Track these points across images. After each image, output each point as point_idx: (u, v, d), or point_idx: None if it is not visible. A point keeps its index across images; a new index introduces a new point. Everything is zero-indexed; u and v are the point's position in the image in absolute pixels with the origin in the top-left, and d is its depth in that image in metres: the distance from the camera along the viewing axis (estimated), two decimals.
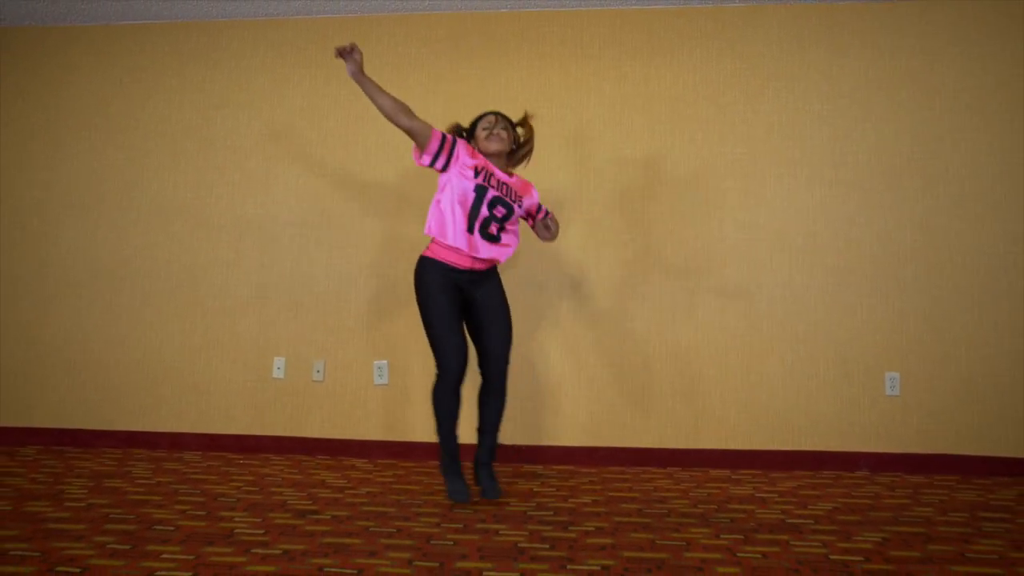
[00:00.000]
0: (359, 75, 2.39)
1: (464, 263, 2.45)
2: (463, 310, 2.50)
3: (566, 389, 3.24)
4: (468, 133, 2.60)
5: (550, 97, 3.38)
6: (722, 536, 2.08)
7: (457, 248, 2.42)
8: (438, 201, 2.45)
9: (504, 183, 2.49)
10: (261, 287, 3.42)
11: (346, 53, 2.36)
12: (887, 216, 3.19)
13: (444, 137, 2.44)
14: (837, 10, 3.29)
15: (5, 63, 3.63)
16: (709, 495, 2.62)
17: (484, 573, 1.67)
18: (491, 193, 2.44)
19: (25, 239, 3.53)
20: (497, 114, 2.56)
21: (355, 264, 3.39)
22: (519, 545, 1.95)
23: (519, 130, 2.62)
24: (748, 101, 3.29)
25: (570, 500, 2.51)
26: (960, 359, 3.10)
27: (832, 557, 1.89)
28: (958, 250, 3.14)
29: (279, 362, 3.37)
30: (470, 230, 2.42)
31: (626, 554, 1.89)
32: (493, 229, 2.47)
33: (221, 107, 3.52)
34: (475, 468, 2.56)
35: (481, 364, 2.53)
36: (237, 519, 2.14)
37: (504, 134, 2.51)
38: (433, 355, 2.43)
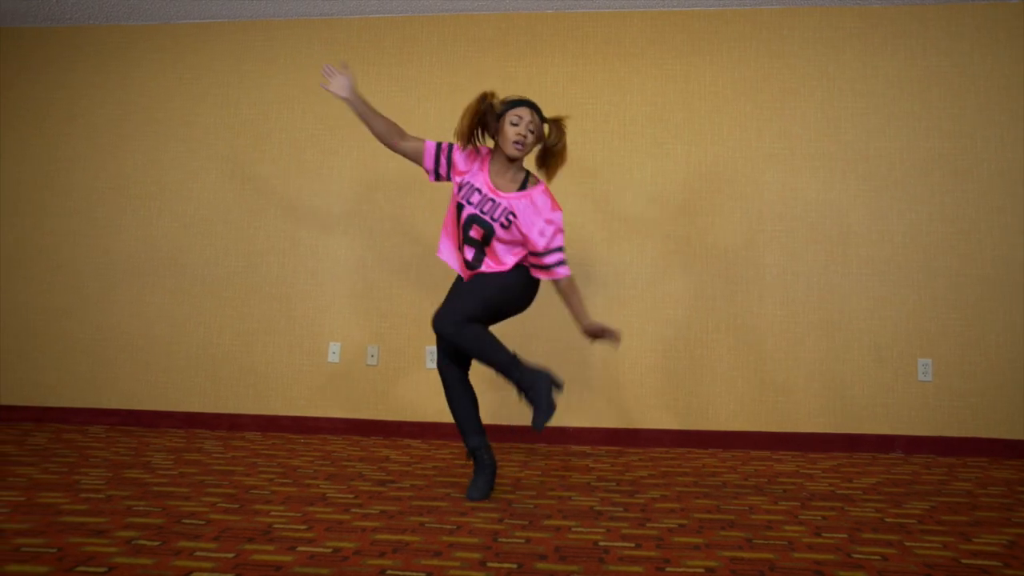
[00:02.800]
0: (352, 95, 2.27)
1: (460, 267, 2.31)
2: None
3: (611, 373, 3.38)
4: (499, 110, 2.19)
5: (595, 95, 3.53)
6: (780, 503, 2.22)
7: (458, 265, 2.30)
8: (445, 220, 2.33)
9: (491, 198, 2.17)
10: (316, 274, 3.56)
11: (331, 73, 2.26)
12: (918, 209, 3.34)
13: (438, 145, 2.26)
14: (869, 12, 3.44)
15: (73, 60, 3.78)
16: (756, 471, 2.76)
17: (571, 529, 1.82)
18: (467, 211, 2.18)
19: (92, 228, 3.68)
20: (531, 107, 2.18)
21: (407, 252, 3.53)
22: (595, 508, 2.10)
23: (545, 127, 2.25)
24: (784, 98, 3.44)
25: (627, 474, 2.66)
26: (989, 346, 3.24)
27: (887, 520, 2.03)
28: (987, 242, 3.29)
29: (334, 347, 3.51)
30: (460, 247, 2.27)
31: (697, 515, 2.03)
32: (469, 253, 2.22)
33: (277, 102, 3.67)
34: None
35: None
36: (321, 486, 2.28)
37: (531, 139, 2.17)
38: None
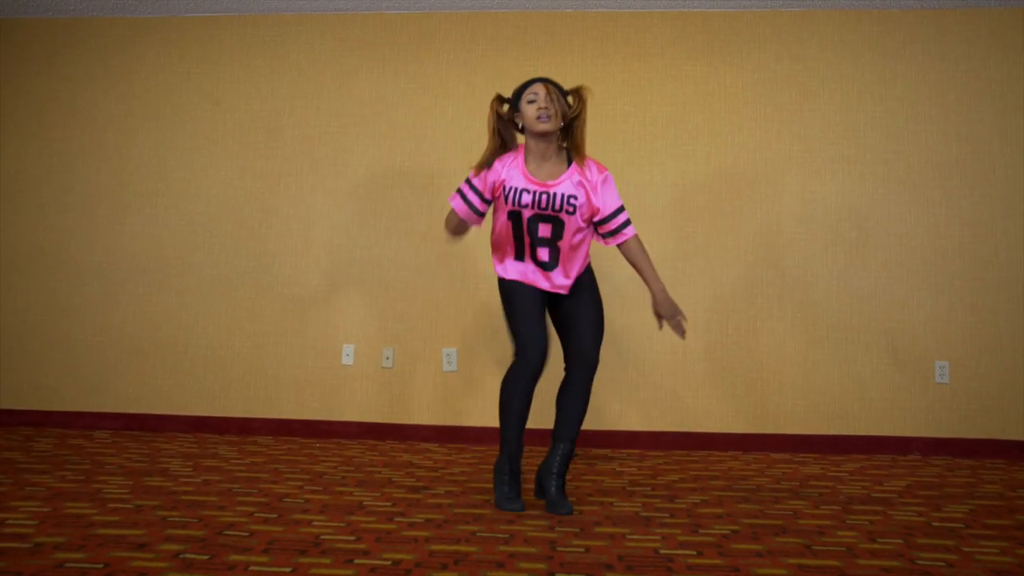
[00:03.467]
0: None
1: (545, 286, 2.16)
2: (548, 308, 2.21)
3: (629, 375, 3.35)
4: (511, 104, 2.16)
5: (615, 95, 3.50)
6: (821, 507, 2.20)
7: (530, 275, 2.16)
8: (492, 230, 2.22)
9: (543, 191, 2.07)
10: (330, 275, 3.49)
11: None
12: (936, 213, 3.36)
13: (460, 190, 2.19)
14: (888, 16, 3.46)
15: (76, 53, 3.65)
16: (784, 474, 2.75)
17: (625, 537, 1.78)
18: (527, 213, 2.07)
19: (93, 226, 3.56)
20: (545, 82, 2.10)
21: (423, 253, 3.47)
22: (640, 514, 2.06)
23: (569, 99, 2.15)
24: (804, 101, 3.44)
25: (658, 478, 2.63)
26: (1006, 349, 3.27)
27: (934, 524, 2.02)
28: (1003, 245, 3.32)
29: (348, 349, 3.44)
30: (519, 257, 2.14)
31: (745, 521, 2.01)
32: (543, 254, 2.10)
33: (289, 99, 3.58)
34: (541, 477, 2.14)
35: (566, 360, 2.20)
36: (358, 495, 2.22)
37: (555, 108, 2.06)
38: (513, 344, 2.15)
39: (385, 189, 3.52)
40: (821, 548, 1.75)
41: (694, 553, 1.69)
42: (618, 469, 2.80)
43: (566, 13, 3.55)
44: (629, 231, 2.16)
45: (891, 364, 3.30)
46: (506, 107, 2.17)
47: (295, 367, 3.45)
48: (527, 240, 2.11)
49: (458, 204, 2.19)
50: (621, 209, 2.16)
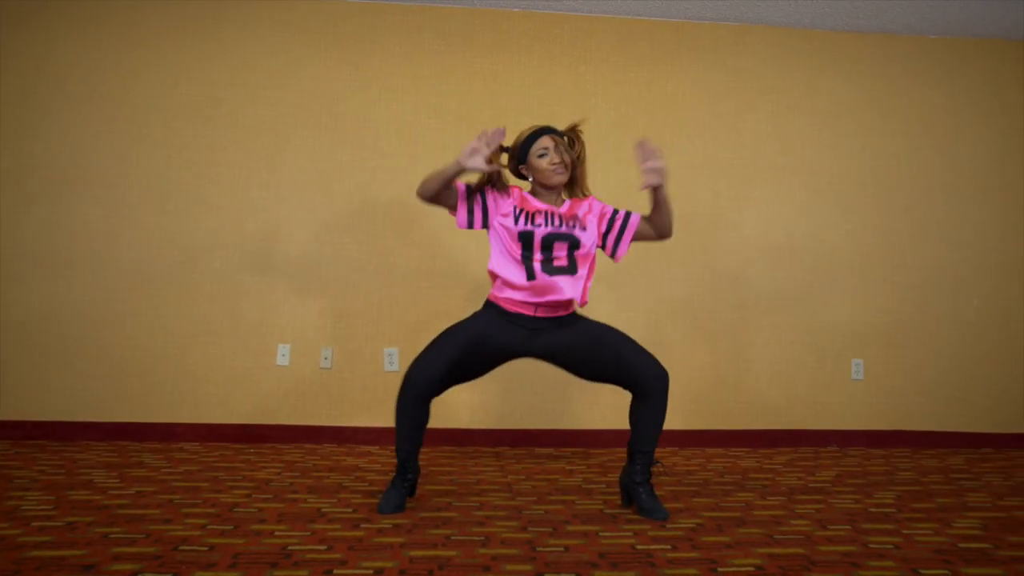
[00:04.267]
0: (464, 170, 2.00)
1: (527, 310, 2.10)
2: (487, 363, 2.12)
3: (574, 377, 3.38)
4: (517, 156, 2.16)
5: (561, 97, 3.53)
6: (769, 498, 2.32)
7: (523, 301, 2.09)
8: (491, 256, 2.14)
9: (554, 213, 2.10)
10: (265, 272, 3.32)
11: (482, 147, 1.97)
12: (853, 221, 3.61)
13: (468, 189, 2.11)
14: (815, 35, 3.68)
15: None
16: (725, 468, 2.87)
17: (598, 534, 1.80)
18: (540, 232, 2.05)
19: None
20: (553, 134, 2.12)
21: (365, 250, 3.37)
22: (604, 512, 2.09)
23: (566, 140, 2.16)
24: (739, 112, 3.61)
25: (609, 475, 2.67)
26: (911, 347, 3.56)
27: (872, 510, 2.17)
28: (910, 253, 3.61)
29: (284, 349, 3.29)
30: (531, 276, 2.06)
31: (705, 514, 2.08)
32: (560, 261, 2.08)
33: (222, 84, 3.38)
34: (627, 487, 2.13)
35: (633, 387, 2.10)
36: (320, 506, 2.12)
37: (568, 159, 2.10)
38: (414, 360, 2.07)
39: (325, 183, 3.39)
40: (782, 537, 1.84)
41: (669, 547, 1.73)
42: (568, 468, 2.82)
43: (513, 12, 3.55)
44: (636, 215, 2.19)
45: (814, 362, 3.52)
46: (505, 156, 2.20)
47: (226, 368, 3.26)
48: (540, 257, 2.07)
49: (461, 195, 2.11)
50: (617, 210, 2.20)
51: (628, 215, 2.19)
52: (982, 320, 3.60)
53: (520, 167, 2.17)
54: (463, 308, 3.34)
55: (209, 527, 1.82)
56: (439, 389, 2.05)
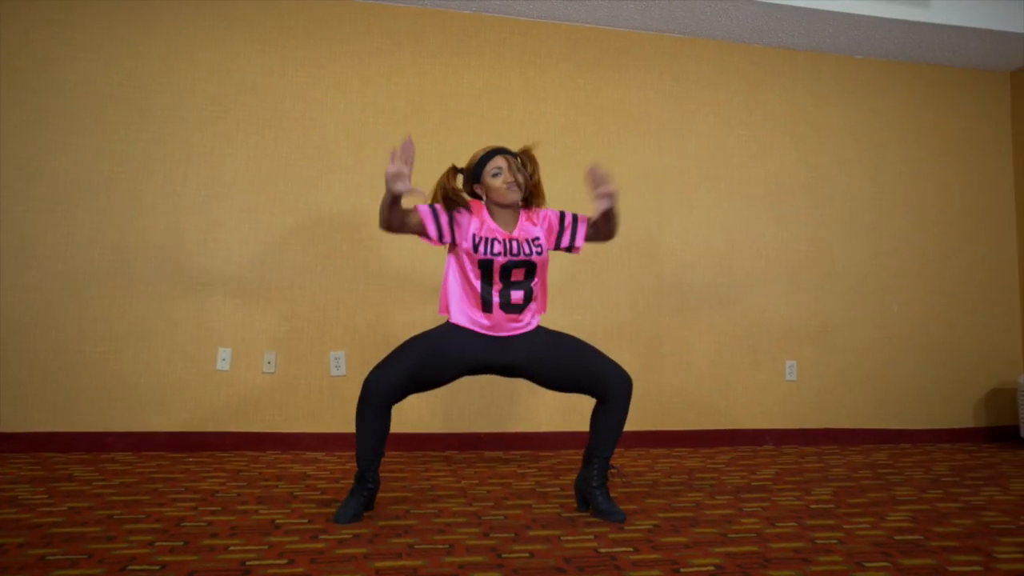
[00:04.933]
0: (397, 195, 1.92)
1: (485, 330, 2.12)
2: (448, 375, 2.11)
3: (522, 380, 3.40)
4: (471, 175, 2.18)
5: (510, 101, 3.55)
6: (717, 497, 2.40)
7: (475, 325, 2.12)
8: (446, 278, 2.16)
9: (511, 240, 2.11)
10: (203, 273, 3.18)
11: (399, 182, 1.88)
12: (787, 229, 3.78)
13: (433, 209, 2.09)
14: (752, 51, 3.84)
15: None
16: (671, 468, 2.95)
17: (560, 539, 1.82)
18: (499, 261, 2.08)
19: None
20: (506, 154, 2.15)
21: (309, 251, 3.28)
22: (563, 515, 2.11)
23: (520, 160, 2.19)
24: (683, 121, 3.72)
25: (561, 478, 2.70)
26: (839, 350, 3.76)
27: (813, 507, 2.28)
28: (839, 260, 3.82)
29: (224, 353, 3.16)
30: (487, 308, 2.10)
31: (660, 515, 2.13)
32: (517, 297, 2.11)
33: (158, 75, 3.22)
34: (583, 491, 2.16)
35: (598, 394, 2.14)
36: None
37: (521, 178, 2.12)
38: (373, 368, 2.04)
39: (269, 181, 3.28)
40: (735, 536, 1.91)
41: (631, 550, 1.76)
42: (519, 471, 2.84)
43: (463, 14, 3.54)
44: (582, 216, 2.21)
45: (751, 364, 3.67)
46: (459, 178, 2.19)
47: (161, 374, 3.10)
48: (499, 287, 2.10)
49: (427, 216, 2.08)
50: (564, 214, 2.21)
51: (576, 217, 2.21)
52: (902, 324, 3.85)
53: (475, 186, 2.18)
54: (411, 311, 3.32)
55: (157, 544, 1.73)
56: (399, 396, 2.03)
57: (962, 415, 3.87)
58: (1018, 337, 3.99)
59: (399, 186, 1.87)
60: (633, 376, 3.51)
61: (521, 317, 2.14)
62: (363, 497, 2.04)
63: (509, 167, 2.12)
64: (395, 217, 1.99)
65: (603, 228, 2.16)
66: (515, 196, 2.12)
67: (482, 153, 2.16)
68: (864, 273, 3.83)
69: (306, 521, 1.98)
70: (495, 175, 2.12)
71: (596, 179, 2.00)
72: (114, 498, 2.19)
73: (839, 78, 3.92)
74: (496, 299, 2.09)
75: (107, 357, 3.06)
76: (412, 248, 3.34)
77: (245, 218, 3.24)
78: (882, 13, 3.52)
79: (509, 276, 2.11)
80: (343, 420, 3.23)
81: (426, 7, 3.49)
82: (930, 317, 3.89)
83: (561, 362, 2.13)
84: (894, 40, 3.76)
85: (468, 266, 2.10)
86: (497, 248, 2.09)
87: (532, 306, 2.16)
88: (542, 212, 2.21)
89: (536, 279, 2.16)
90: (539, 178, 2.18)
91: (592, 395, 2.14)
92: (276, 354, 3.21)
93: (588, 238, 2.21)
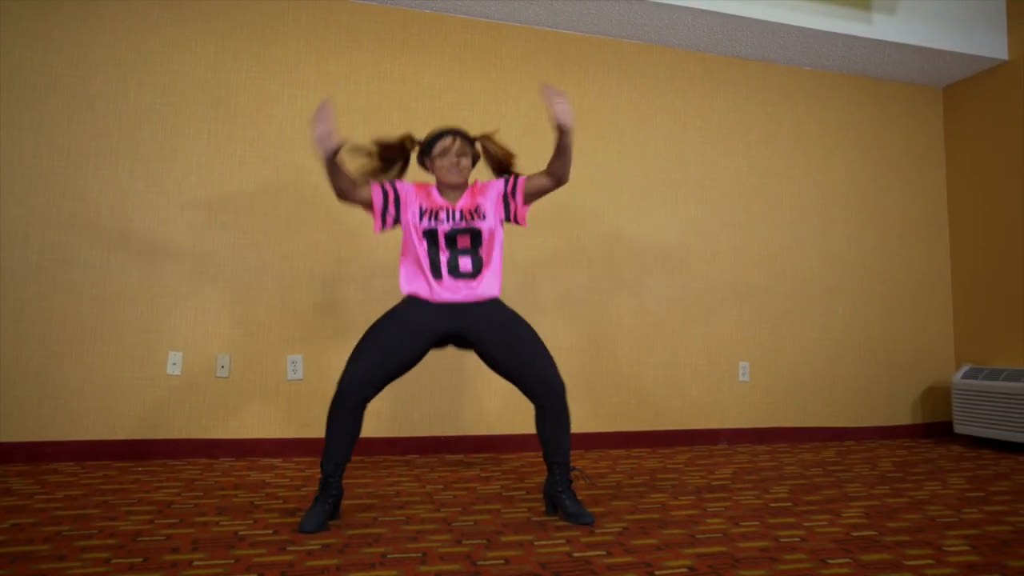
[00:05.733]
0: (331, 162, 2.04)
1: (440, 296, 2.14)
2: (415, 356, 2.12)
3: (482, 383, 3.40)
4: (423, 150, 2.25)
5: (471, 102, 3.53)
6: (680, 498, 2.44)
7: (428, 299, 2.15)
8: (402, 254, 2.21)
9: (454, 209, 2.16)
10: (153, 273, 3.05)
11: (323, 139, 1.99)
12: (740, 234, 3.89)
13: (383, 189, 2.17)
14: (707, 59, 3.93)
15: None
16: (632, 469, 2.99)
17: (533, 544, 1.82)
18: (443, 228, 2.13)
19: None
20: (455, 134, 2.19)
21: (264, 251, 3.19)
22: (532, 520, 2.12)
23: (477, 146, 2.28)
24: (641, 126, 3.78)
25: (525, 481, 2.71)
26: (789, 351, 3.89)
27: (772, 506, 2.35)
28: (789, 263, 3.95)
29: (175, 357, 3.04)
30: (436, 275, 2.14)
31: (628, 517, 2.16)
32: (465, 264, 2.15)
33: (103, 65, 3.07)
34: (551, 496, 2.16)
35: (530, 395, 2.14)
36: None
37: (466, 162, 2.19)
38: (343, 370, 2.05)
39: (222, 180, 3.17)
40: (703, 536, 1.95)
41: (604, 553, 1.78)
42: (483, 475, 2.83)
43: (425, 13, 3.50)
44: (520, 176, 2.24)
45: (706, 365, 3.76)
46: (416, 148, 2.27)
47: (106, 379, 2.96)
48: (446, 255, 2.15)
49: (377, 196, 2.18)
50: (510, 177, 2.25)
51: (516, 178, 2.23)
52: (847, 326, 4.01)
53: (427, 161, 2.26)
54: (371, 313, 3.25)
55: (114, 561, 1.65)
56: (374, 390, 2.04)
57: (901, 412, 4.07)
58: (951, 338, 4.21)
59: (329, 143, 1.99)
60: (591, 378, 3.54)
61: (473, 283, 2.15)
62: (328, 505, 2.00)
63: (454, 149, 2.18)
64: (343, 182, 2.10)
65: (556, 166, 2.14)
66: (455, 178, 2.18)
67: (437, 131, 2.22)
68: (811, 276, 3.97)
69: (271, 532, 1.92)
70: (441, 155, 2.19)
71: (551, 95, 2.03)
72: (60, 513, 2.08)
73: (788, 88, 4.06)
74: (444, 267, 2.14)
75: (47, 362, 2.90)
76: (373, 249, 3.29)
77: (196, 216, 3.12)
78: (828, 27, 3.66)
79: (455, 244, 2.15)
80: (300, 425, 3.15)
81: (387, 5, 3.44)
82: (872, 319, 4.06)
83: (512, 342, 2.14)
84: (839, 53, 3.91)
85: (415, 237, 2.15)
86: (441, 216, 2.15)
87: (485, 274, 2.17)
88: (490, 183, 2.25)
89: (483, 247, 2.17)
90: (509, 157, 2.25)
91: (527, 395, 2.14)
92: (230, 358, 3.10)
93: (539, 190, 2.20)
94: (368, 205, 2.19)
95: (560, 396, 2.11)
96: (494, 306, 2.20)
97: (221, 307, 3.12)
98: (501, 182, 2.24)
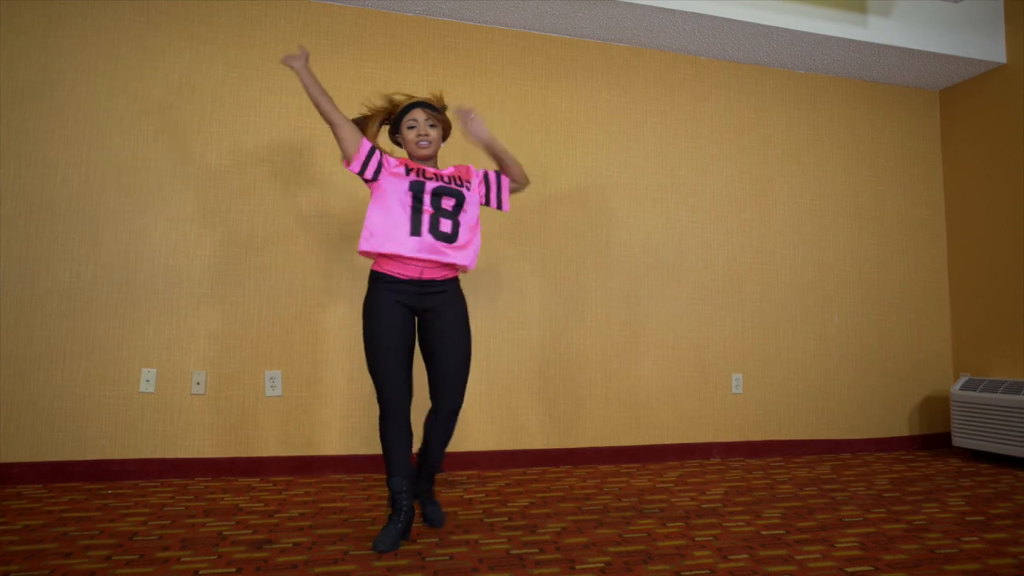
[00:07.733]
0: (305, 70, 2.15)
1: (411, 272, 2.11)
2: (413, 334, 2.17)
3: (469, 395, 3.30)
4: (394, 124, 2.27)
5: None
6: (668, 525, 2.35)
7: (400, 256, 2.09)
8: (371, 211, 2.15)
9: (441, 173, 2.19)
10: (125, 287, 2.95)
11: (294, 60, 2.16)
12: (732, 241, 3.79)
13: (373, 149, 2.16)
14: (699, 63, 3.83)
15: None
16: (620, 489, 2.90)
17: None
18: (431, 184, 2.13)
19: None
20: (424, 107, 2.22)
21: (242, 264, 3.09)
22: (511, 552, 2.02)
23: (448, 116, 2.36)
24: (631, 131, 3.67)
25: (509, 504, 2.61)
26: (783, 362, 3.80)
27: (763, 533, 2.26)
28: (782, 272, 3.86)
29: (148, 374, 2.94)
30: (416, 232, 2.10)
31: (611, 550, 2.06)
32: (446, 226, 2.14)
33: (71, 71, 2.96)
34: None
35: (431, 391, 2.19)
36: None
37: (435, 133, 2.23)
38: (374, 387, 2.13)
39: (197, 189, 3.06)
40: (689, 573, 1.86)
41: None
42: (466, 496, 2.73)
43: (407, 17, 3.39)
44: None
45: (699, 377, 3.66)
46: (386, 127, 2.32)
47: (76, 398, 2.86)
48: (429, 212, 2.12)
49: (365, 147, 2.17)
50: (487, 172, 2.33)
51: (499, 174, 2.34)
52: (842, 335, 3.92)
53: (396, 135, 2.29)
54: (351, 327, 3.16)
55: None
56: (410, 388, 2.12)
57: (898, 424, 3.98)
58: (948, 346, 4.12)
59: (297, 63, 2.13)
60: (579, 392, 3.45)
61: (450, 248, 2.15)
62: (400, 523, 2.06)
63: (425, 121, 2.21)
64: (323, 102, 2.13)
65: (507, 173, 2.31)
66: (424, 151, 2.21)
67: (407, 103, 2.23)
68: (805, 284, 3.88)
69: (234, 571, 1.83)
70: (410, 127, 2.22)
71: (463, 115, 2.23)
72: (13, 548, 1.98)
73: (781, 92, 3.96)
74: (426, 224, 2.12)
75: (13, 380, 2.80)
76: (352, 262, 3.19)
77: (171, 228, 3.02)
78: (823, 31, 3.55)
79: (440, 203, 2.14)
80: (279, 443, 3.05)
81: (368, 8, 3.33)
82: (868, 328, 3.97)
83: (457, 342, 2.18)
84: (834, 57, 3.81)
85: (399, 189, 2.12)
86: (429, 174, 2.17)
87: (461, 241, 2.17)
88: (470, 168, 2.31)
89: (464, 215, 2.19)
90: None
91: (434, 391, 2.18)
92: (206, 374, 3.00)
93: (511, 190, 2.34)
94: (343, 139, 2.15)
95: (458, 410, 2.20)
96: (458, 296, 2.24)
97: (196, 322, 3.01)
98: (483, 172, 2.32)
